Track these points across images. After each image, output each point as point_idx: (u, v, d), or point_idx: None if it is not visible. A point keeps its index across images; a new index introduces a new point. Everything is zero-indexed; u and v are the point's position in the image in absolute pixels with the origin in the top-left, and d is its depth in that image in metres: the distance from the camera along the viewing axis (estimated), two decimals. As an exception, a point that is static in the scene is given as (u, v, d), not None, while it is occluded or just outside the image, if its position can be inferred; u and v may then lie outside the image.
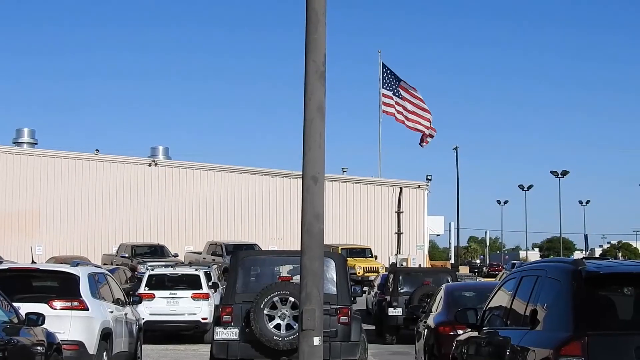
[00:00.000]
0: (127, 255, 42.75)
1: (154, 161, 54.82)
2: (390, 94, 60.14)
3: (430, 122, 59.38)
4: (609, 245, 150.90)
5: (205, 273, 25.98)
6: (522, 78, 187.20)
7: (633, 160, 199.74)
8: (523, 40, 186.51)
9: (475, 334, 10.82)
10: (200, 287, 24.65)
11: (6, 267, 16.66)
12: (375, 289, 30.89)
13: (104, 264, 39.64)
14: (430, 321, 16.13)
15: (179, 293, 24.46)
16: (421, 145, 59.91)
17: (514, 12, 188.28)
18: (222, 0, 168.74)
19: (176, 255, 44.07)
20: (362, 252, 46.57)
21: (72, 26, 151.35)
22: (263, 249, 39.62)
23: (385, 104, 60.18)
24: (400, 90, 59.84)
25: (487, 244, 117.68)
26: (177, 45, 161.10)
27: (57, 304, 14.34)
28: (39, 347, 12.11)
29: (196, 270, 26.03)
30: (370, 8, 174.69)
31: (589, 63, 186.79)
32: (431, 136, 59.56)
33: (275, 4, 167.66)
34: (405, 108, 59.36)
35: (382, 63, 61.06)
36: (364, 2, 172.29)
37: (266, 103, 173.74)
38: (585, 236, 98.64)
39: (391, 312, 25.27)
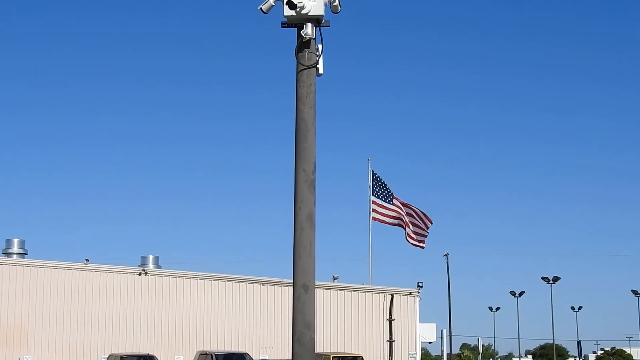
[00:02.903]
0: (116, 366, 42.26)
1: (144, 270, 54.55)
2: (380, 201, 60.45)
3: (425, 223, 59.53)
4: (602, 352, 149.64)
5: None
6: (512, 185, 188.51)
7: (624, 266, 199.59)
8: (512, 153, 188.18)
9: None
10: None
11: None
12: (368, 399, 30.57)
13: (93, 375, 39.15)
14: None
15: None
16: (421, 246, 59.84)
17: (500, 127, 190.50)
18: (209, 112, 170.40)
19: (166, 366, 43.60)
20: (354, 361, 46.12)
21: (60, 137, 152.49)
22: (254, 359, 39.22)
23: (375, 211, 60.41)
24: (393, 199, 60.19)
25: (480, 350, 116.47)
26: (169, 158, 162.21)
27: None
28: None
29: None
30: (359, 117, 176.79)
31: (576, 175, 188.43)
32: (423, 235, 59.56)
33: (264, 113, 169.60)
34: (398, 213, 59.58)
35: (372, 171, 61.58)
36: (353, 111, 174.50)
37: (256, 211, 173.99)
38: (579, 342, 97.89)
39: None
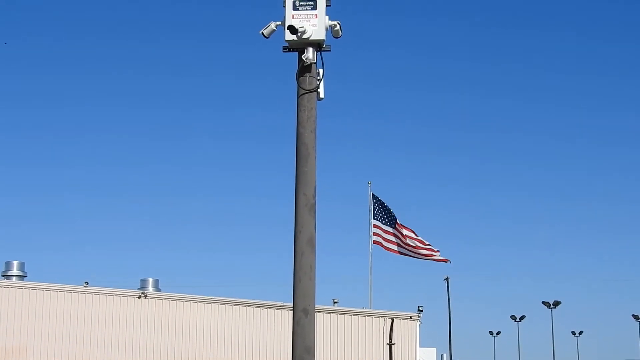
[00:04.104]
0: (115, 389, 42.08)
1: (143, 293, 54.40)
2: (380, 224, 60.30)
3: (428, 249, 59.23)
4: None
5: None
6: (513, 208, 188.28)
7: (625, 291, 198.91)
8: (513, 176, 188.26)
9: None
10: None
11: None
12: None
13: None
14: None
15: None
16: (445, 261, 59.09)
17: (500, 150, 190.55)
18: (209, 135, 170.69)
19: (165, 390, 43.37)
20: (354, 385, 45.93)
21: (60, 158, 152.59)
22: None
23: (376, 234, 60.23)
24: (396, 226, 59.98)
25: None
26: (169, 181, 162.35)
27: None
28: None
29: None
30: (360, 141, 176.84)
31: (578, 199, 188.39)
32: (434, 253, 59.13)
33: (264, 136, 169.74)
34: (399, 238, 59.39)
35: (373, 194, 61.51)
36: (354, 134, 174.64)
37: (256, 235, 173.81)
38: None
39: None
